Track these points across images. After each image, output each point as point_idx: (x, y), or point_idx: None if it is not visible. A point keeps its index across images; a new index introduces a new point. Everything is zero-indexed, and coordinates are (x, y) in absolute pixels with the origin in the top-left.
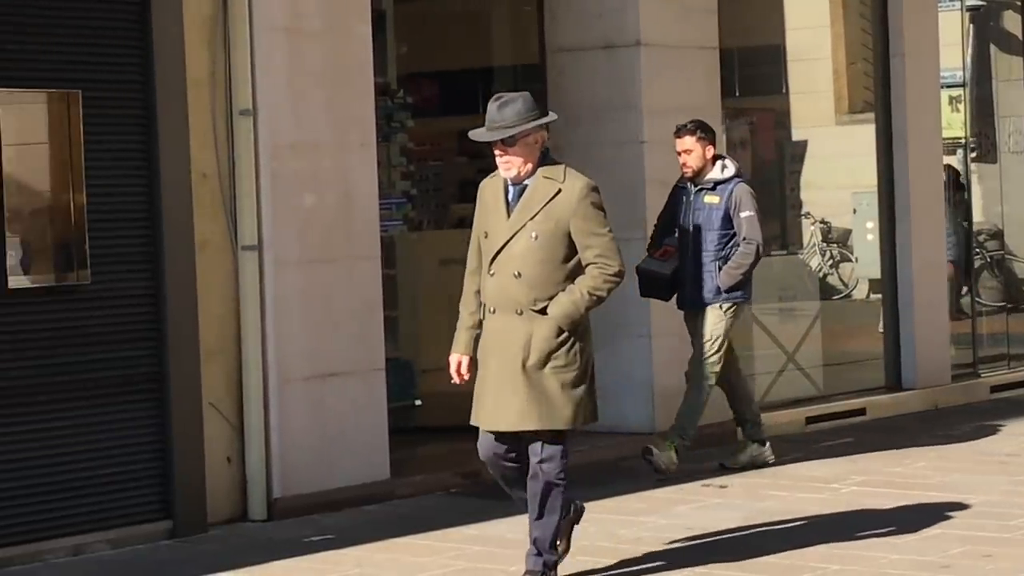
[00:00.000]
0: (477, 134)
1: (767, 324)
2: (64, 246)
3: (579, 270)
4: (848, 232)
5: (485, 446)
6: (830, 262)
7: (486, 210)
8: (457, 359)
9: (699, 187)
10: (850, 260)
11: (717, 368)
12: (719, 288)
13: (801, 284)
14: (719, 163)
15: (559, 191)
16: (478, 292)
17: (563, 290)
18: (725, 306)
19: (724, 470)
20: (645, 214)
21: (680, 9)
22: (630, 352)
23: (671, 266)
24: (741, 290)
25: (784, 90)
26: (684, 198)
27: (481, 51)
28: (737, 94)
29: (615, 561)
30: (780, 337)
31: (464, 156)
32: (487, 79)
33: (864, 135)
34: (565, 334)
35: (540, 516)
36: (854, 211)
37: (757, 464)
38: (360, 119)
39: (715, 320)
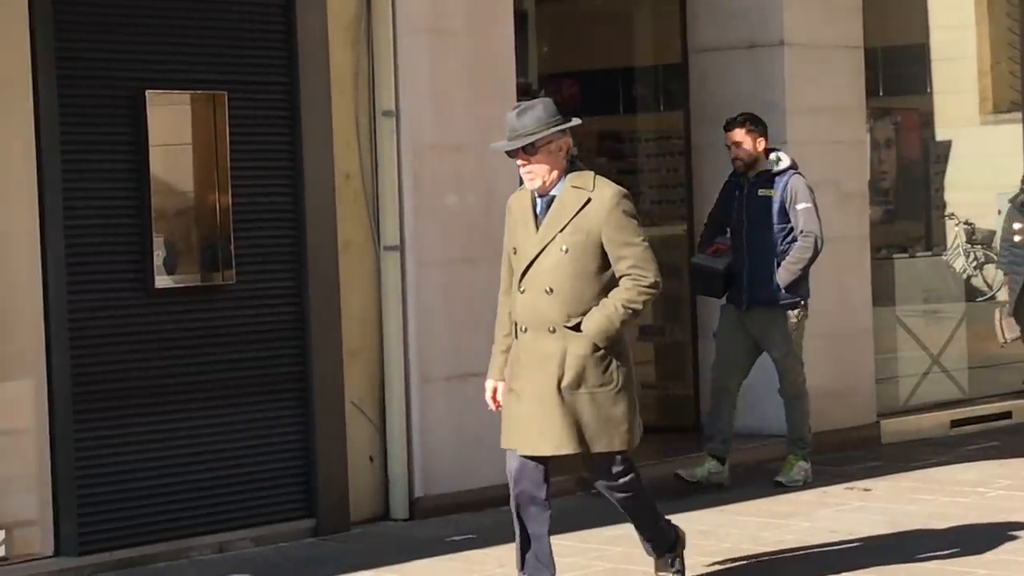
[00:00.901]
0: (498, 145)
1: (911, 326)
2: (210, 246)
3: (613, 283)
4: (992, 233)
5: (518, 470)
6: (974, 263)
7: (514, 225)
8: (493, 386)
9: (752, 181)
10: (994, 261)
11: (803, 372)
12: (779, 287)
13: (945, 286)
14: (772, 155)
15: (589, 200)
16: (510, 313)
17: (597, 305)
18: (791, 312)
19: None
20: None
21: (825, 8)
22: None
23: (724, 262)
24: (802, 287)
25: (928, 90)
26: (737, 193)
27: (622, 51)
28: (881, 93)
29: (758, 564)
30: (924, 339)
31: (604, 157)
32: (628, 79)
33: (1009, 135)
34: (601, 351)
35: (636, 523)
36: (999, 212)
37: (712, 482)
38: (502, 120)
39: (787, 332)
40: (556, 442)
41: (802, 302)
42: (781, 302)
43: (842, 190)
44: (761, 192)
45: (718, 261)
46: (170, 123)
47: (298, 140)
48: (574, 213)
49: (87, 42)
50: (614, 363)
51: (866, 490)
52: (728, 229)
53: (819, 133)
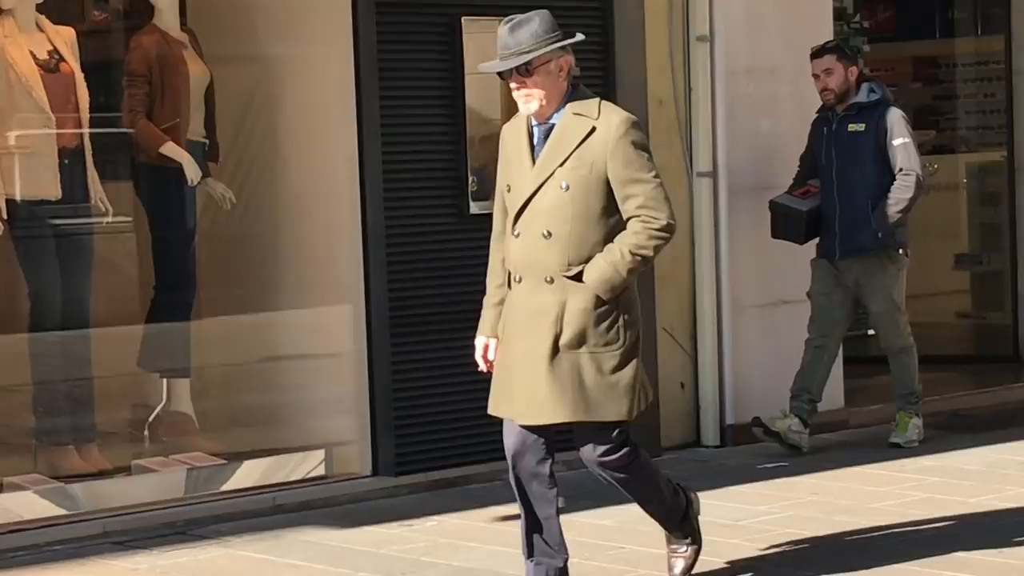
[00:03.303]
0: (488, 65)
1: None
2: None
3: (621, 227)
4: None
5: (517, 443)
6: None
7: (507, 159)
8: (484, 343)
9: (842, 115)
10: None
11: (907, 324)
12: (876, 232)
13: None
14: (865, 86)
15: (593, 129)
16: (504, 261)
17: (601, 251)
18: (891, 260)
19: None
20: None
21: None
22: None
23: (809, 204)
24: (901, 233)
25: None
26: (824, 129)
27: None
28: None
29: None
30: None
31: (919, 82)
32: (946, 2)
33: None
34: (605, 305)
35: (642, 504)
36: None
37: (789, 440)
38: (818, 43)
39: (889, 283)
40: (553, 409)
41: (900, 249)
42: (879, 249)
43: None
44: (852, 127)
45: (802, 203)
46: (484, 50)
47: (611, 66)
48: (576, 144)
49: None
50: (621, 319)
51: None
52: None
53: None
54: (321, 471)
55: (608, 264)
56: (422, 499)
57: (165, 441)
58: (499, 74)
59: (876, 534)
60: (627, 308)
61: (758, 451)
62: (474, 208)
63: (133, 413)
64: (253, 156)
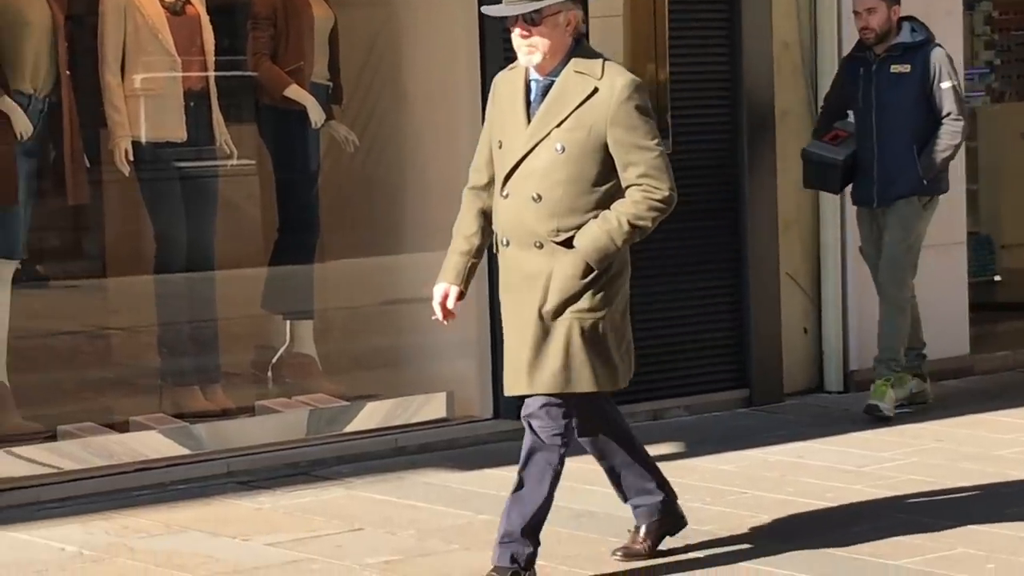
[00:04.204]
0: (493, 9)
1: None
2: None
3: (616, 195)
4: None
5: (528, 415)
6: None
7: (501, 112)
8: (444, 290)
9: (883, 56)
10: None
11: (914, 274)
12: (919, 178)
13: None
14: (906, 25)
15: (595, 90)
16: (480, 212)
17: (592, 218)
18: (923, 200)
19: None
20: None
21: None
22: None
23: (844, 152)
24: (943, 181)
25: None
26: (862, 70)
27: None
28: None
29: None
30: None
31: None
32: None
33: None
34: (594, 274)
35: (519, 487)
36: None
37: (916, 402)
38: None
39: (911, 216)
40: (533, 379)
41: (939, 197)
42: (919, 195)
43: None
44: (894, 69)
45: (837, 151)
46: None
47: (737, 10)
48: (576, 105)
49: None
50: (604, 290)
51: None
52: (848, 113)
53: None
54: (443, 413)
55: (603, 232)
56: None
57: (288, 382)
58: (503, 20)
59: (1001, 481)
60: (613, 278)
61: None
62: None
63: (257, 354)
64: (376, 99)
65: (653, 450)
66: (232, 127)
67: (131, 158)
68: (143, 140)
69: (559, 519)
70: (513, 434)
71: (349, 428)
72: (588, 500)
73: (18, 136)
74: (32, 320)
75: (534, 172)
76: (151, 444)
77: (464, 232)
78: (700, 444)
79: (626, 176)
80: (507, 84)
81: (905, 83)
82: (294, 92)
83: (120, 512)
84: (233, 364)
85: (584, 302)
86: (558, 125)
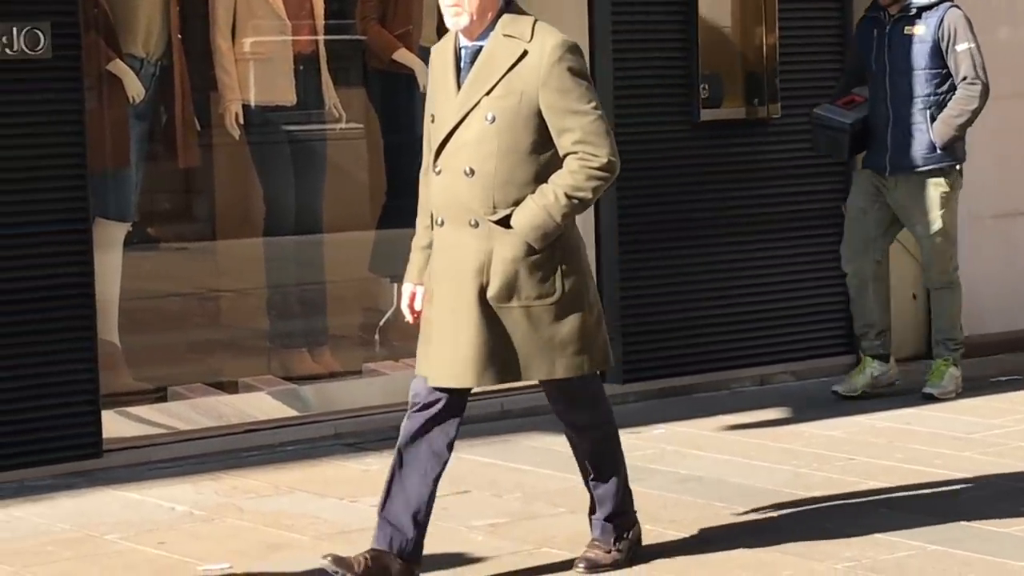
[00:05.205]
0: None
1: None
2: (755, 80)
3: (556, 166)
4: None
5: (416, 392)
6: None
7: (434, 84)
8: (411, 291)
9: (897, 16)
10: None
11: (955, 256)
12: (934, 145)
13: None
14: None
15: (524, 53)
16: None
17: (532, 192)
18: (945, 180)
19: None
20: None
21: None
22: None
23: (854, 116)
24: (959, 148)
25: None
26: (875, 31)
27: None
28: None
29: None
30: None
31: None
32: None
33: None
34: (538, 254)
35: (597, 476)
36: None
37: (880, 386)
38: None
39: (938, 201)
40: (476, 371)
41: (957, 167)
42: (933, 166)
43: None
44: (907, 30)
45: (847, 115)
46: None
47: None
48: (505, 70)
49: None
50: (558, 268)
51: None
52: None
53: None
54: None
55: (540, 208)
56: (649, 407)
57: (395, 345)
58: None
59: None
60: (565, 256)
61: (992, 363)
62: (704, 115)
63: (364, 317)
64: None
65: (759, 415)
66: (341, 91)
67: (241, 122)
68: (253, 104)
69: (665, 483)
70: (620, 398)
71: None
72: (694, 465)
73: (130, 99)
74: (143, 282)
75: (465, 144)
76: (260, 405)
77: (423, 223)
78: (807, 410)
79: (562, 143)
80: (439, 54)
81: (920, 45)
82: (403, 56)
83: (229, 472)
84: (340, 327)
85: (532, 288)
86: (487, 93)
